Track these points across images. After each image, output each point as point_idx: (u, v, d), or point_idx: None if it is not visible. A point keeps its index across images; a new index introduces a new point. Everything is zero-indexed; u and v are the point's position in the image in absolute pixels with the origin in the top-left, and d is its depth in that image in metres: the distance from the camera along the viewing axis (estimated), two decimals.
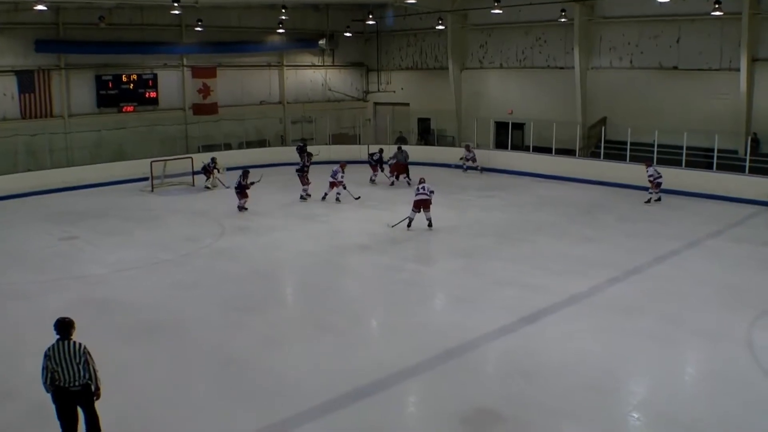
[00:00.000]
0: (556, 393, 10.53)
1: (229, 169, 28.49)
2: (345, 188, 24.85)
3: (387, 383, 10.98)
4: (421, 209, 20.33)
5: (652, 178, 24.09)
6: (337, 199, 24.76)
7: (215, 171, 28.42)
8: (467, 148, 31.80)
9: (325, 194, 25.12)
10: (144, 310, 14.59)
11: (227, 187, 27.33)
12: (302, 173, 25.63)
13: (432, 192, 20.45)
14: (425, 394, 11.11)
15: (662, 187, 24.27)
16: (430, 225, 20.37)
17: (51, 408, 9.87)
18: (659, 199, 24.22)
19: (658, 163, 25.36)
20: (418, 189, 20.58)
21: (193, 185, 28.66)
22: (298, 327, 13.81)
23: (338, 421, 9.94)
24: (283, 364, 11.88)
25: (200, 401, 10.67)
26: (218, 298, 15.29)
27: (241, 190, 23.54)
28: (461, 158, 31.53)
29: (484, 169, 30.83)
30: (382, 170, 28.83)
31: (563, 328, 13.26)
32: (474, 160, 31.18)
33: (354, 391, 10.68)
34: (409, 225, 20.39)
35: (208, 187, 28.22)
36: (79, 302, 14.95)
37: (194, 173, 28.87)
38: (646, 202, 24.26)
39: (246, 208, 23.56)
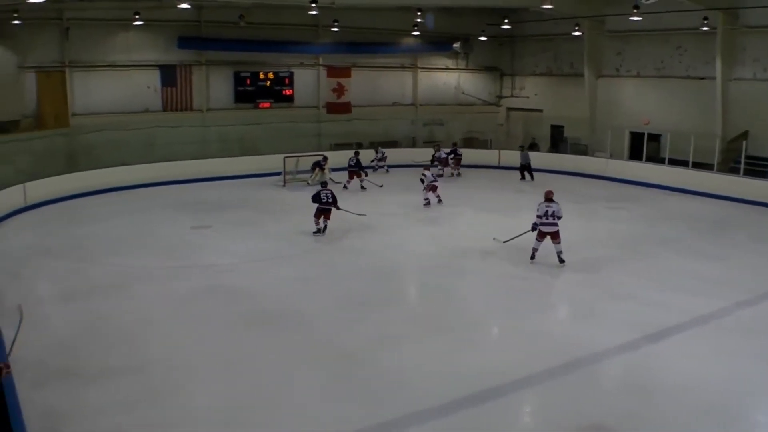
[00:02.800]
0: (674, 414, 10.11)
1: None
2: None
3: (500, 391, 10.82)
4: (546, 238, 17.40)
5: None
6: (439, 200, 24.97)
7: (324, 170, 28.71)
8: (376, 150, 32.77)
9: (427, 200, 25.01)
10: (266, 300, 14.98)
11: (337, 183, 27.86)
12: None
13: (560, 218, 17.22)
14: (539, 405, 10.92)
15: None
16: (561, 261, 17.36)
17: (167, 386, 10.39)
18: None
19: None
20: (545, 213, 17.15)
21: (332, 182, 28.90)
22: (414, 327, 13.77)
23: (447, 427, 9.88)
24: (397, 363, 11.88)
25: (312, 392, 10.82)
26: (338, 293, 15.52)
27: (330, 207, 20.57)
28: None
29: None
30: (366, 175, 28.90)
31: (686, 348, 12.69)
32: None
33: (466, 396, 10.58)
34: (532, 257, 17.62)
35: (308, 183, 28.50)
36: (204, 289, 15.57)
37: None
38: None
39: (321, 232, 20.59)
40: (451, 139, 36.04)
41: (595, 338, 12.91)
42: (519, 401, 10.89)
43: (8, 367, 8.77)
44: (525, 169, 31.24)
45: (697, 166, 28.52)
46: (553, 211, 17.07)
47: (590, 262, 18.11)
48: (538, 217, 17.20)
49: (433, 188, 24.70)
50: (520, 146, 33.42)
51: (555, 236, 17.22)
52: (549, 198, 17.33)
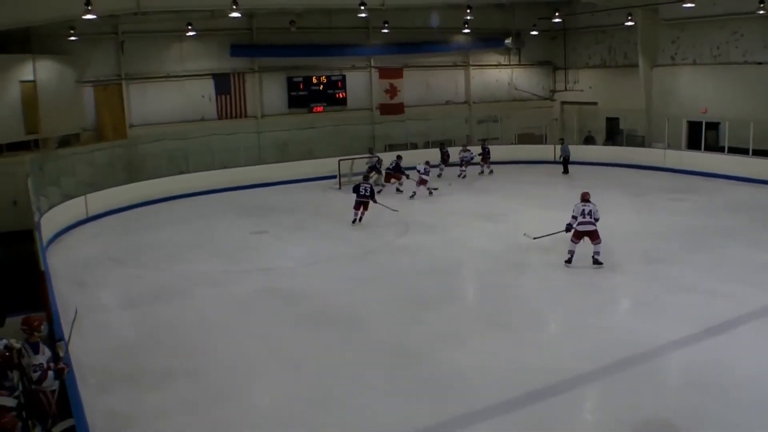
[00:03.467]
0: (739, 409, 9.85)
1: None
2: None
3: (561, 387, 10.73)
4: (583, 240, 16.64)
5: None
6: (430, 193, 26.53)
7: (381, 171, 28.60)
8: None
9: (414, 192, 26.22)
10: (325, 301, 15.06)
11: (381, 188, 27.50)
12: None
13: (597, 219, 16.47)
14: (600, 400, 10.81)
15: None
16: (596, 262, 16.60)
17: (230, 389, 10.47)
18: None
19: None
20: (582, 213, 16.43)
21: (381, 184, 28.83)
22: (473, 324, 13.78)
23: (508, 422, 9.84)
24: (457, 360, 11.84)
25: (374, 390, 10.89)
26: (397, 293, 15.54)
27: (367, 199, 21.92)
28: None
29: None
30: (408, 177, 27.69)
31: (752, 340, 12.38)
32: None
33: (527, 393, 10.53)
34: (569, 261, 16.76)
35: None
36: (264, 292, 15.74)
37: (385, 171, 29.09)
38: None
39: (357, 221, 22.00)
40: (507, 135, 35.91)
41: (657, 332, 12.69)
42: (580, 397, 10.77)
43: (67, 366, 8.95)
44: (565, 161, 31.28)
45: (758, 153, 27.86)
46: (590, 210, 16.41)
47: (652, 254, 17.85)
48: (574, 217, 16.58)
49: (423, 182, 26.20)
50: (560, 139, 33.27)
51: (594, 236, 16.50)
52: (586, 199, 16.67)
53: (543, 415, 9.99)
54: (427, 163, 26.33)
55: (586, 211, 16.44)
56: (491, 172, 31.33)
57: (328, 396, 10.66)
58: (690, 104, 32.14)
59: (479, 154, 31.42)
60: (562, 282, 16.25)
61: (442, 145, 31.85)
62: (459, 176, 30.36)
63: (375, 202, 22.00)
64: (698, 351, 12.01)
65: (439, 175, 29.69)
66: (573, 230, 16.68)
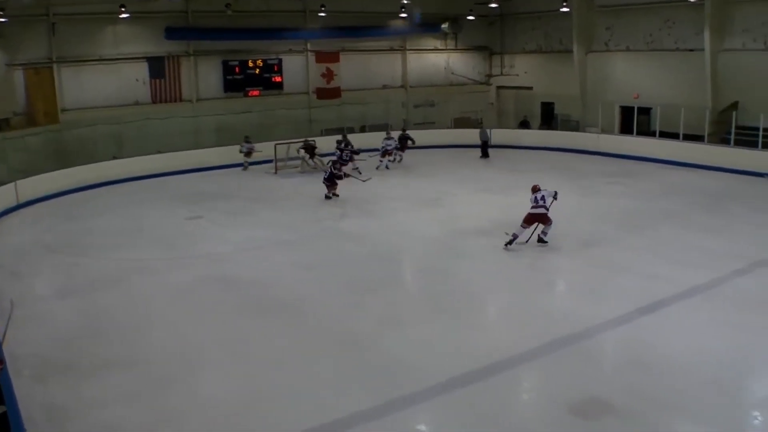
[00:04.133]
0: (671, 386, 10.12)
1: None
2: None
3: (500, 368, 10.93)
4: (534, 224, 17.16)
5: None
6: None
7: (314, 155, 28.67)
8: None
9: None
10: (266, 287, 14.99)
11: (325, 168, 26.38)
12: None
13: (555, 198, 17.17)
14: (537, 380, 11.03)
15: None
16: (541, 240, 17.25)
17: (171, 377, 10.34)
18: None
19: None
20: (534, 200, 17.02)
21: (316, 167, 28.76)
22: (415, 308, 13.90)
23: (449, 404, 10.00)
24: (400, 344, 11.95)
25: (317, 376, 10.88)
26: (338, 278, 15.56)
27: (327, 182, 23.45)
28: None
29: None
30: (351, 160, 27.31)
31: (683, 320, 12.74)
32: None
33: (467, 374, 10.68)
34: (510, 243, 17.09)
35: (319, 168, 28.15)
36: (204, 278, 15.58)
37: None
38: None
39: (333, 196, 23.47)
40: (444, 120, 36.08)
41: (596, 313, 12.96)
42: (516, 378, 10.98)
43: (2, 362, 8.77)
44: (485, 146, 31.51)
45: (688, 138, 28.53)
46: (542, 196, 16.98)
47: (590, 237, 18.22)
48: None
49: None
50: (480, 123, 33.60)
51: (545, 219, 17.05)
52: (536, 190, 17.28)
53: (483, 395, 10.19)
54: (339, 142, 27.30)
55: (538, 198, 17.03)
56: (401, 160, 30.11)
57: (272, 383, 10.66)
58: (623, 90, 32.68)
59: (398, 143, 29.98)
60: (502, 265, 16.47)
61: (344, 136, 30.08)
62: (377, 168, 28.64)
63: (337, 179, 23.30)
64: (634, 331, 12.30)
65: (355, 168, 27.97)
66: (526, 214, 17.07)
